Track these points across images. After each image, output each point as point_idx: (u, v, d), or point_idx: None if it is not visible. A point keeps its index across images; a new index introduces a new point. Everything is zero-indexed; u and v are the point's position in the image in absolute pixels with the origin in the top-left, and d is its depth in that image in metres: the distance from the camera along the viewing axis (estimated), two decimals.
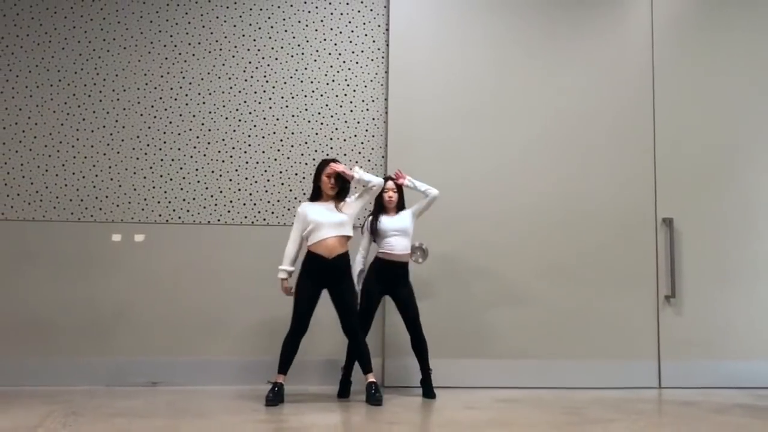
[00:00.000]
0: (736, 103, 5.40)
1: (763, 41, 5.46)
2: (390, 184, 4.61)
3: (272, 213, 5.13)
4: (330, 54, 5.29)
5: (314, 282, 4.31)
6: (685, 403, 4.44)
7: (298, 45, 5.28)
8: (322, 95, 5.25)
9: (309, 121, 5.22)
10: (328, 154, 5.16)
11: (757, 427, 3.72)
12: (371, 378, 4.32)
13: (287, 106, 5.23)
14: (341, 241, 4.32)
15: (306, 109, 5.23)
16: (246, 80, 5.22)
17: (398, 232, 4.52)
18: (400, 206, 4.64)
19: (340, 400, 4.44)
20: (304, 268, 4.33)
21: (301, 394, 4.54)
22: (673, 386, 5.07)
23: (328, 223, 4.29)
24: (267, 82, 5.23)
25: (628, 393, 4.82)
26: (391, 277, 4.51)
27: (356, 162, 5.16)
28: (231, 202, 5.12)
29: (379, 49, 5.32)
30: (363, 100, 5.27)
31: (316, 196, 4.45)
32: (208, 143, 5.15)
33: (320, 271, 4.30)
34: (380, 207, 4.61)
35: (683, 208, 5.28)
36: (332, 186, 4.39)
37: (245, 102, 5.21)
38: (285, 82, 5.24)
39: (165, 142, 5.13)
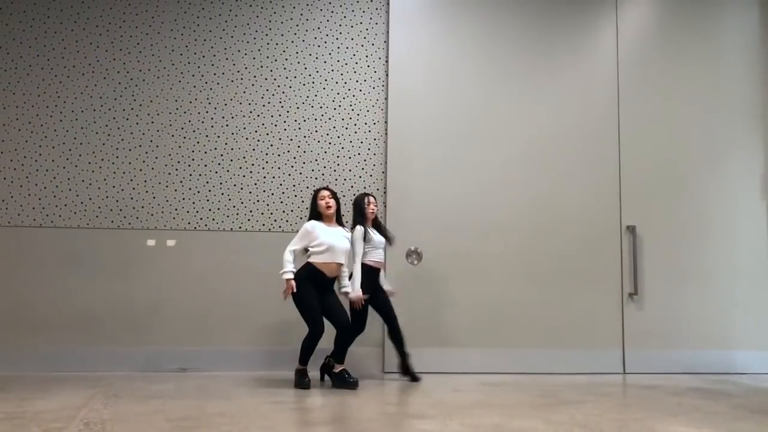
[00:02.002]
0: (691, 124, 5.45)
1: (715, 71, 5.52)
2: (371, 199, 4.58)
3: (286, 221, 5.17)
4: (337, 83, 5.35)
5: (315, 287, 4.32)
6: (646, 387, 4.47)
7: (309, 75, 5.34)
8: (330, 119, 5.31)
9: (318, 142, 5.28)
10: (335, 170, 5.21)
11: (708, 407, 3.75)
12: (342, 367, 4.34)
13: (300, 128, 5.28)
14: (341, 266, 4.39)
15: (316, 131, 5.29)
16: (264, 105, 5.28)
17: (382, 245, 4.59)
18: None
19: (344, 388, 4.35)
20: (306, 276, 4.29)
21: (313, 379, 4.55)
22: (636, 372, 5.11)
23: (340, 250, 4.33)
24: (282, 107, 5.29)
25: (597, 378, 4.85)
26: (374, 279, 4.54)
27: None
28: (251, 211, 5.17)
29: (379, 78, 5.37)
30: (365, 123, 5.33)
31: (317, 218, 4.45)
32: (231, 160, 5.21)
33: (319, 284, 4.32)
34: (364, 218, 4.55)
35: (645, 217, 5.32)
36: (327, 205, 4.39)
37: (263, 125, 5.26)
38: (298, 107, 5.30)
39: (193, 160, 5.19)
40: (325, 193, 4.46)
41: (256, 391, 4.11)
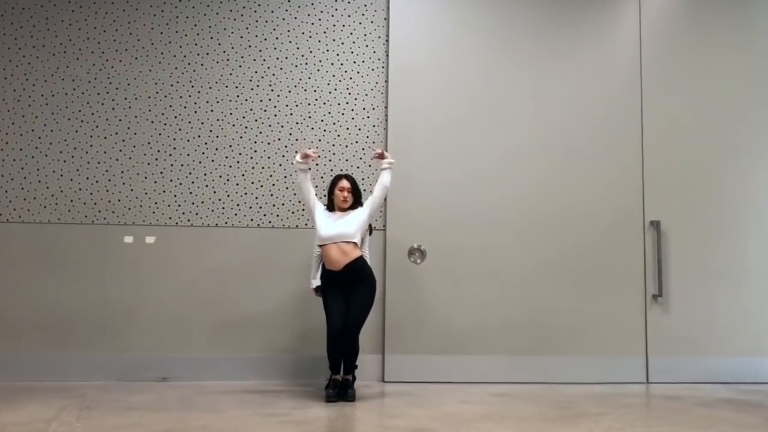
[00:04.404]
0: (722, 109, 5.42)
1: (747, 52, 5.48)
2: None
3: (277, 216, 5.15)
4: (332, 64, 5.32)
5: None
6: (672, 398, 4.47)
7: (302, 56, 5.31)
8: (324, 103, 5.28)
9: (312, 129, 5.25)
10: (330, 160, 5.19)
11: (739, 420, 3.75)
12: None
13: (291, 114, 5.26)
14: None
15: (309, 117, 5.26)
16: (252, 89, 5.25)
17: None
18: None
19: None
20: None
21: (307, 389, 4.56)
22: (660, 381, 5.08)
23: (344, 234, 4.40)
24: (272, 90, 5.27)
25: (617, 388, 4.84)
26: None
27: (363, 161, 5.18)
28: (237, 205, 5.15)
29: (379, 59, 5.34)
30: (364, 108, 5.30)
31: (331, 209, 4.51)
32: (216, 149, 5.18)
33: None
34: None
35: (670, 211, 5.30)
36: (344, 199, 4.44)
37: (251, 110, 5.24)
38: (289, 91, 5.27)
39: (175, 148, 5.16)
40: (345, 184, 4.47)
41: (245, 402, 4.11)
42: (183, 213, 5.11)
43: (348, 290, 4.31)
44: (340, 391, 4.23)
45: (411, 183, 5.14)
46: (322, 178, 5.15)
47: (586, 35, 5.40)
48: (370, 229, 4.64)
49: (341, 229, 4.32)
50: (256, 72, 5.26)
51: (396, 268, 5.06)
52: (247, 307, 5.02)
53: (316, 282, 4.47)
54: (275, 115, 5.24)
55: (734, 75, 5.46)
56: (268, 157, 5.20)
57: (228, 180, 5.16)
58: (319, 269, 4.44)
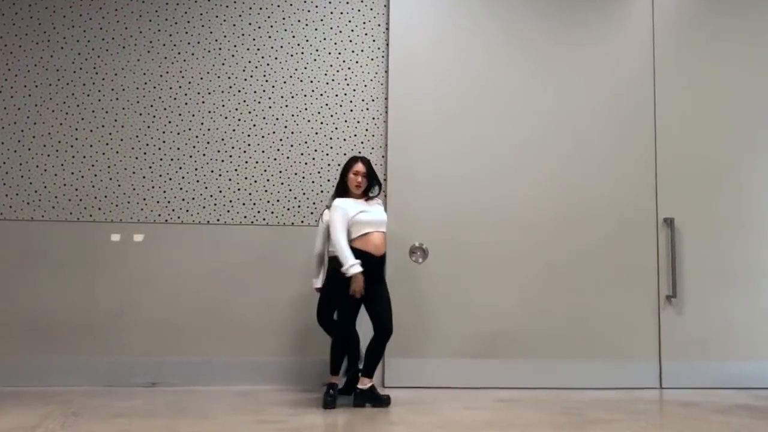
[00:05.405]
0: (739, 102, 5.39)
1: (764, 45, 5.45)
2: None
3: (272, 213, 5.13)
4: (330, 53, 5.29)
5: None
6: (686, 404, 4.46)
7: (298, 44, 5.28)
8: (321, 95, 5.25)
9: (309, 121, 5.23)
10: (328, 154, 5.16)
11: (757, 427, 3.73)
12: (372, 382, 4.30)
13: (287, 106, 5.23)
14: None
15: (306, 109, 5.24)
16: (245, 79, 5.22)
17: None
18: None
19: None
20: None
21: (303, 395, 4.55)
22: (674, 386, 5.07)
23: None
24: (266, 81, 5.24)
25: (629, 393, 4.83)
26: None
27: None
28: (230, 201, 5.12)
29: (379, 48, 5.32)
30: (363, 100, 5.27)
31: (343, 192, 4.48)
32: (208, 143, 5.16)
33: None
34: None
35: (684, 209, 5.27)
36: (357, 185, 4.41)
37: (245, 101, 5.21)
38: (285, 82, 5.25)
39: (164, 142, 5.14)
40: (360, 168, 4.45)
41: (238, 408, 4.10)
42: (173, 210, 5.08)
43: (373, 284, 4.24)
44: (360, 397, 4.22)
45: (412, 178, 5.12)
46: (319, 173, 5.13)
47: (596, 24, 5.38)
48: None
49: (381, 216, 4.40)
50: (249, 62, 5.24)
51: (396, 268, 5.03)
52: (240, 308, 4.99)
53: (319, 282, 4.47)
54: (270, 107, 5.22)
55: (750, 69, 5.43)
56: (263, 151, 5.17)
57: (220, 175, 5.14)
58: (323, 270, 4.43)
